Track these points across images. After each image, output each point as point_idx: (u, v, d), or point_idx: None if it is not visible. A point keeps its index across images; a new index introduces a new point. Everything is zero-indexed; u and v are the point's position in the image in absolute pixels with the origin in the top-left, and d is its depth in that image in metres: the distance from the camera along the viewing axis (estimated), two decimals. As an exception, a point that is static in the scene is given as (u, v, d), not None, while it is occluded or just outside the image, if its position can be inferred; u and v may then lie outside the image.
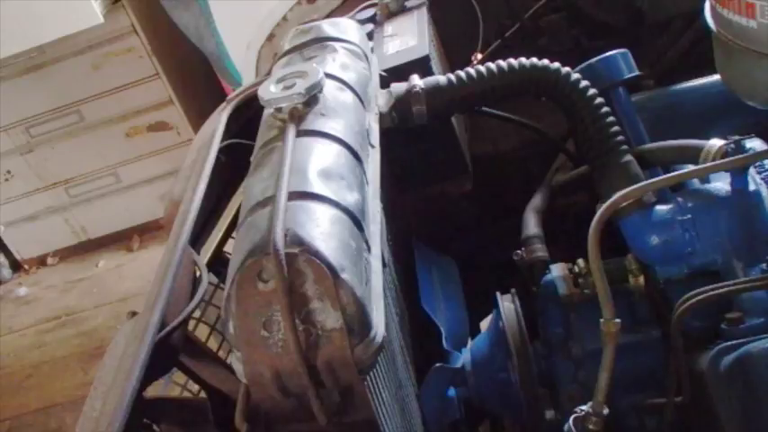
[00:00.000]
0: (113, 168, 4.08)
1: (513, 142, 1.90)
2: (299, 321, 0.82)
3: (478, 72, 1.34)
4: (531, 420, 1.30)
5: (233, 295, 0.84)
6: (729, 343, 1.08)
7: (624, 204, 1.20)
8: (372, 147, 1.16)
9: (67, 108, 3.86)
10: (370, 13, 1.71)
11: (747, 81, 1.14)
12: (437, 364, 1.29)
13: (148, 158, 4.04)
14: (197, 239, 1.20)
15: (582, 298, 1.29)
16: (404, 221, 1.49)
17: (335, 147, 1.03)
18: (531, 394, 1.28)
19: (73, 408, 3.24)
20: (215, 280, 1.33)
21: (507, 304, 1.35)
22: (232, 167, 1.28)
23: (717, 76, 1.28)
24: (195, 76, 3.77)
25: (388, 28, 1.63)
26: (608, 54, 1.45)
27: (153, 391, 1.00)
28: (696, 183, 1.30)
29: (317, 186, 0.93)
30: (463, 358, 1.36)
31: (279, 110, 1.06)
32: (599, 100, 1.32)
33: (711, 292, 1.11)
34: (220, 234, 1.35)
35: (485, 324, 1.50)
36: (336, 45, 1.27)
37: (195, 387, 1.13)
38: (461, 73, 1.36)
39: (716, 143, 1.20)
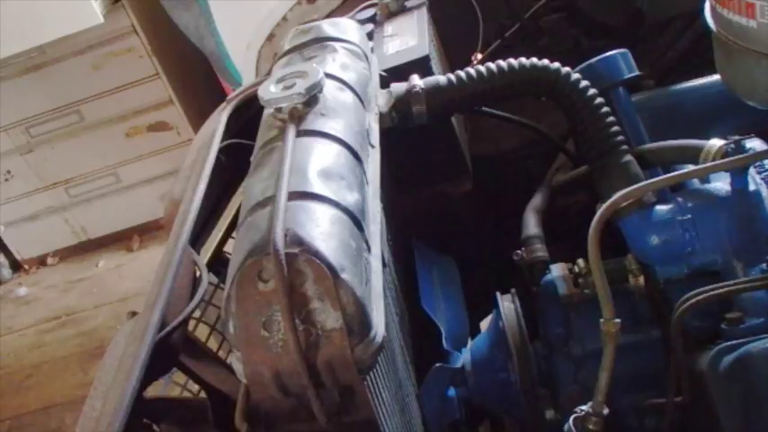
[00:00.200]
0: (113, 168, 4.08)
1: (513, 142, 1.90)
2: (299, 321, 0.82)
3: (478, 72, 1.34)
4: (531, 420, 1.30)
5: (233, 295, 0.84)
6: (729, 343, 1.08)
7: (624, 204, 1.20)
8: (372, 147, 1.16)
9: (67, 108, 3.86)
10: (370, 13, 1.71)
11: (747, 81, 1.14)
12: (437, 364, 1.29)
13: (148, 158, 4.04)
14: (197, 239, 1.20)
15: (582, 298, 1.29)
16: (404, 221, 1.49)
17: (335, 147, 1.03)
18: (531, 394, 1.28)
19: (73, 408, 3.24)
20: (215, 280, 1.33)
21: (507, 304, 1.35)
22: (232, 167, 1.28)
23: (717, 76, 1.28)
24: (195, 76, 3.77)
25: (388, 28, 1.63)
26: (608, 54, 1.45)
27: (153, 391, 1.00)
28: (696, 183, 1.30)
29: (317, 186, 0.93)
30: (463, 358, 1.36)
31: (279, 110, 1.06)
32: (599, 100, 1.32)
33: (711, 292, 1.11)
34: (220, 234, 1.35)
35: (485, 324, 1.50)
36: (336, 45, 1.27)
37: (195, 387, 1.13)
38: (461, 73, 1.36)
39: (716, 143, 1.20)
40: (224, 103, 1.35)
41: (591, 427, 1.13)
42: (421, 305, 1.35)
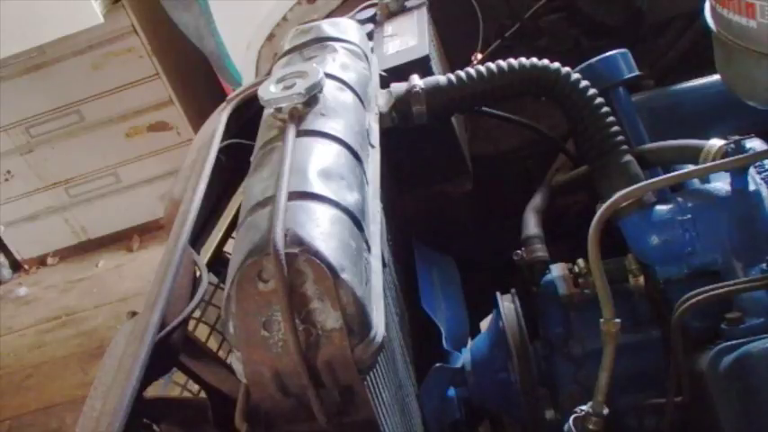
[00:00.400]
0: (113, 168, 4.08)
1: (513, 142, 1.90)
2: (299, 321, 0.82)
3: (478, 72, 1.34)
4: (531, 420, 1.30)
5: (233, 295, 0.84)
6: (729, 343, 1.08)
7: (624, 204, 1.20)
8: (372, 147, 1.16)
9: (67, 108, 3.86)
10: (370, 13, 1.71)
11: (747, 81, 1.14)
12: (437, 364, 1.29)
13: (148, 158, 4.04)
14: (197, 239, 1.20)
15: (582, 298, 1.29)
16: (404, 221, 1.49)
17: (335, 147, 1.03)
18: (531, 394, 1.28)
19: (73, 408, 3.24)
20: (215, 280, 1.33)
21: (507, 304, 1.35)
22: (232, 167, 1.28)
23: (717, 76, 1.28)
24: (195, 76, 3.76)
25: (388, 28, 1.63)
26: (608, 54, 1.45)
27: (153, 391, 1.00)
28: (696, 183, 1.30)
29: (317, 186, 0.93)
30: (463, 358, 1.36)
31: (279, 110, 1.06)
32: (599, 100, 1.32)
33: (711, 292, 1.11)
34: (220, 234, 1.35)
35: (485, 324, 1.50)
36: (336, 45, 1.27)
37: (195, 387, 1.13)
38: (461, 73, 1.36)
39: (716, 143, 1.20)
40: (224, 103, 1.35)
41: (591, 427, 1.13)
42: (421, 305, 1.35)
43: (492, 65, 1.34)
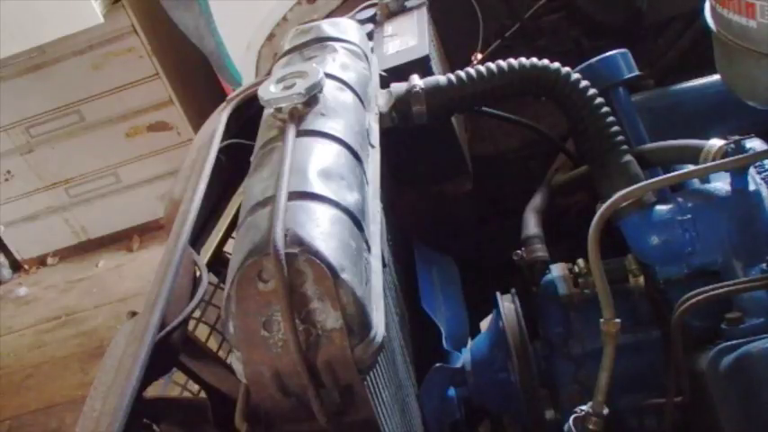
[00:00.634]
0: (113, 168, 4.08)
1: (514, 142, 1.90)
2: (299, 321, 0.82)
3: (478, 72, 1.34)
4: (531, 420, 1.30)
5: (233, 295, 0.84)
6: (729, 343, 1.08)
7: (624, 204, 1.20)
8: (372, 147, 1.16)
9: (67, 108, 3.86)
10: (370, 13, 1.71)
11: (747, 81, 1.14)
12: (437, 364, 1.29)
13: (148, 158, 4.04)
14: (197, 239, 1.20)
15: (582, 298, 1.29)
16: (404, 221, 1.49)
17: (335, 147, 1.03)
18: (531, 394, 1.28)
19: (73, 408, 3.24)
20: (215, 280, 1.33)
21: (507, 304, 1.35)
22: (232, 167, 1.28)
23: (717, 76, 1.28)
24: (195, 76, 3.77)
25: (388, 28, 1.63)
26: (608, 54, 1.45)
27: (153, 391, 1.00)
28: (696, 183, 1.30)
29: (317, 186, 0.93)
30: (463, 358, 1.36)
31: (279, 110, 1.06)
32: (599, 100, 1.32)
33: (711, 292, 1.11)
34: (220, 234, 1.35)
35: (485, 324, 1.50)
36: (336, 45, 1.27)
37: (195, 387, 1.13)
38: (461, 73, 1.36)
39: (716, 143, 1.20)
40: (224, 103, 1.35)
41: (591, 427, 1.13)
42: (421, 305, 1.35)
43: (492, 65, 1.34)
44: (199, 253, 1.16)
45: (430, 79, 1.36)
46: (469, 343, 1.43)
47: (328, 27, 1.33)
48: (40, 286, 4.23)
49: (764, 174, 1.23)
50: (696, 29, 1.81)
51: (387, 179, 1.24)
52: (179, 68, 3.87)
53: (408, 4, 1.68)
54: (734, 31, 1.09)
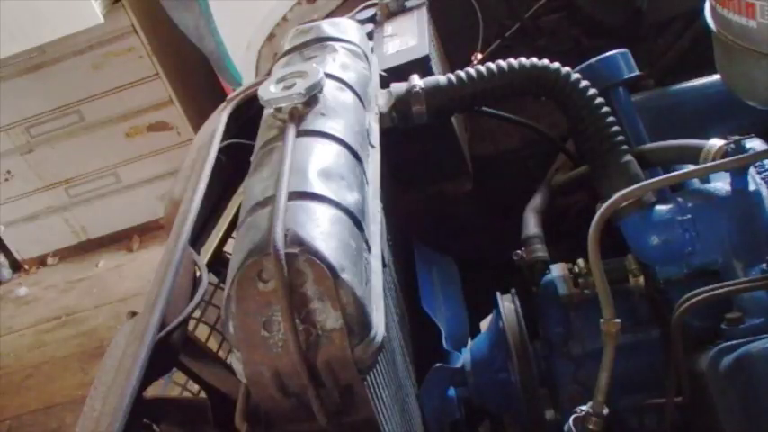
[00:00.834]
0: (113, 168, 4.08)
1: (514, 142, 1.90)
2: (299, 321, 0.82)
3: (478, 72, 1.34)
4: (531, 420, 1.30)
5: (233, 295, 0.84)
6: (729, 343, 1.08)
7: (624, 204, 1.20)
8: (372, 147, 1.16)
9: (67, 108, 3.86)
10: (370, 13, 1.71)
11: (747, 81, 1.14)
12: (437, 364, 1.29)
13: (148, 158, 4.04)
14: (197, 239, 1.20)
15: (582, 298, 1.29)
16: (404, 221, 1.49)
17: (335, 147, 1.03)
18: (531, 394, 1.28)
19: (73, 408, 3.24)
20: (215, 280, 1.33)
21: (507, 304, 1.36)
22: (232, 167, 1.28)
23: (717, 76, 1.28)
24: (195, 76, 3.77)
25: (388, 28, 1.63)
26: (608, 54, 1.45)
27: (153, 391, 1.00)
28: (696, 183, 1.30)
29: (317, 186, 0.93)
30: (463, 358, 1.37)
31: (279, 110, 1.06)
32: (599, 100, 1.32)
33: (711, 292, 1.11)
34: (220, 234, 1.35)
35: (485, 324, 1.50)
36: (336, 45, 1.27)
37: (195, 387, 1.13)
38: (461, 73, 1.36)
39: (716, 143, 1.20)
40: (224, 103, 1.35)
41: (591, 427, 1.13)
42: (421, 305, 1.35)
43: (492, 65, 1.34)
44: (199, 253, 1.16)
45: (430, 79, 1.36)
46: (469, 343, 1.43)
47: (328, 27, 1.33)
48: (40, 286, 4.23)
49: (764, 174, 1.23)
50: (696, 29, 1.81)
51: (387, 179, 1.24)
52: (179, 68, 3.87)
53: (408, 4, 1.68)
54: (734, 31, 1.09)
